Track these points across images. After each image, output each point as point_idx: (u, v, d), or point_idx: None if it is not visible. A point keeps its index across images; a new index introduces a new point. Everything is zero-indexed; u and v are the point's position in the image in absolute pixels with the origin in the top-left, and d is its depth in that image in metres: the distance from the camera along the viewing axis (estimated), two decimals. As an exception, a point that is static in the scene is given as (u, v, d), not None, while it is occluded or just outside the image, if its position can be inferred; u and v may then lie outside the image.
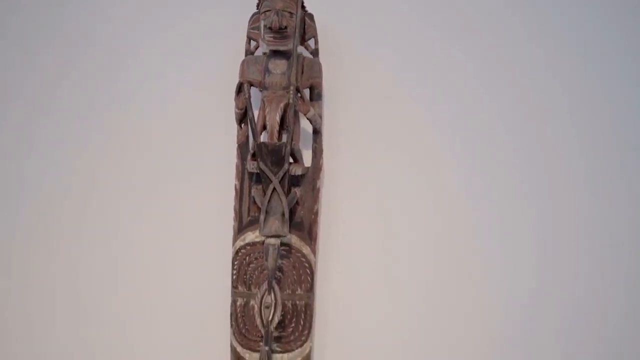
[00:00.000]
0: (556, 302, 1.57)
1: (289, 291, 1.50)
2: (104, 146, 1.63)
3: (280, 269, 1.49)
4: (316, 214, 1.52)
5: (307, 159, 1.53)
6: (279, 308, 1.45)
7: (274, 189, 1.44)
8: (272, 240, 1.44)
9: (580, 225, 1.60)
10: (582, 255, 1.59)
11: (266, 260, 1.43)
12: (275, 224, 1.44)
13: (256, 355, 1.48)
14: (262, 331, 1.45)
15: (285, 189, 1.46)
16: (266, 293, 1.45)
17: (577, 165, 1.62)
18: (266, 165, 1.44)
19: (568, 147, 1.63)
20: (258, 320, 1.45)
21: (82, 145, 1.64)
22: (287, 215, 1.45)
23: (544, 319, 1.57)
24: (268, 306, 1.45)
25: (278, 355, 1.49)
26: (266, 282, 1.45)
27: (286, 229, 1.44)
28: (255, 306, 1.46)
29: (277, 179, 1.44)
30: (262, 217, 1.44)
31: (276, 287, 1.45)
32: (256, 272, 1.50)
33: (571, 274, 1.58)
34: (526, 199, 1.61)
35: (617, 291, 1.58)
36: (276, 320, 1.45)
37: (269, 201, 1.45)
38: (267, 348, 1.44)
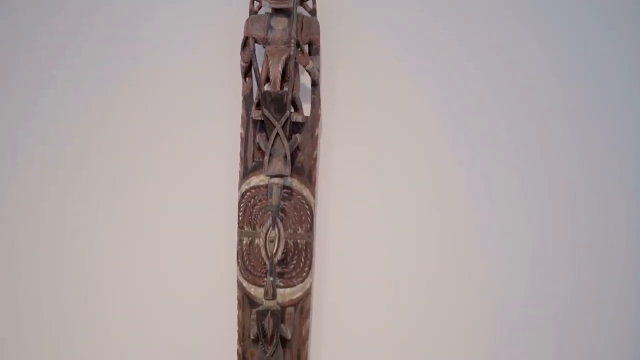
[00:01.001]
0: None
1: (290, 230, 1.63)
2: (109, 94, 1.74)
3: (282, 210, 1.62)
4: (315, 159, 1.65)
5: (306, 111, 1.66)
6: (282, 242, 1.59)
7: (277, 133, 1.58)
8: (276, 180, 1.57)
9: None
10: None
11: (270, 197, 1.57)
12: (278, 165, 1.58)
13: (261, 289, 1.61)
14: (267, 263, 1.59)
15: (287, 134, 1.59)
16: (270, 228, 1.58)
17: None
18: (270, 112, 1.58)
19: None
20: (263, 253, 1.59)
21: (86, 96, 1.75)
22: (289, 157, 1.58)
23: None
24: (272, 240, 1.58)
25: (281, 290, 1.62)
26: (270, 218, 1.58)
27: (288, 169, 1.57)
28: (260, 241, 1.60)
29: (280, 125, 1.58)
30: (266, 158, 1.58)
31: (279, 223, 1.59)
32: (260, 213, 1.63)
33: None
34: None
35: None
36: (279, 253, 1.59)
37: (272, 145, 1.59)
38: (271, 279, 1.57)
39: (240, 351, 1.64)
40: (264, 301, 1.56)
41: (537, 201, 1.68)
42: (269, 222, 1.58)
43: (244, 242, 1.64)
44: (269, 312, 1.56)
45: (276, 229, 1.57)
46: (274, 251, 1.57)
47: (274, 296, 1.56)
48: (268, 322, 1.56)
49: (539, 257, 1.68)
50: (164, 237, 1.71)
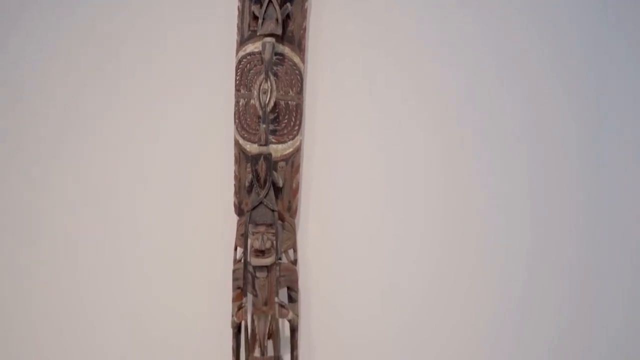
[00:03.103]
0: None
1: (282, 92, 1.82)
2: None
3: (275, 74, 1.81)
4: (304, 29, 1.84)
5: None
6: (274, 93, 1.77)
7: (269, 0, 1.78)
8: (268, 39, 1.76)
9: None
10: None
11: (263, 54, 1.76)
12: (270, 25, 1.77)
13: (255, 145, 1.78)
14: (260, 113, 1.76)
15: (279, 2, 1.78)
16: (263, 82, 1.76)
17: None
18: (263, -19, 1.78)
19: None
20: (257, 104, 1.77)
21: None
22: (280, 21, 1.77)
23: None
24: (265, 92, 1.76)
25: (273, 146, 1.79)
26: (264, 73, 1.77)
27: (279, 30, 1.76)
28: (255, 98, 1.78)
29: (272, -7, 1.78)
30: (260, 21, 1.77)
31: (271, 76, 1.77)
32: (255, 76, 1.82)
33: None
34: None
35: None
36: (271, 103, 1.77)
37: (265, 10, 1.78)
38: (264, 126, 1.75)
39: (236, 202, 1.80)
40: (258, 147, 1.73)
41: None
42: (262, 76, 1.76)
43: (241, 104, 1.82)
44: (262, 157, 1.73)
45: (268, 82, 1.75)
46: (267, 101, 1.75)
47: (266, 142, 1.74)
48: (261, 167, 1.73)
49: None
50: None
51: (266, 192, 1.74)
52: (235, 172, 1.81)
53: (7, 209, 1.89)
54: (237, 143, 1.81)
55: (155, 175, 1.88)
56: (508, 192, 1.83)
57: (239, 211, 1.80)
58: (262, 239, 1.72)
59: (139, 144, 1.89)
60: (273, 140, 1.79)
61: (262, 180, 1.73)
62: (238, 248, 1.78)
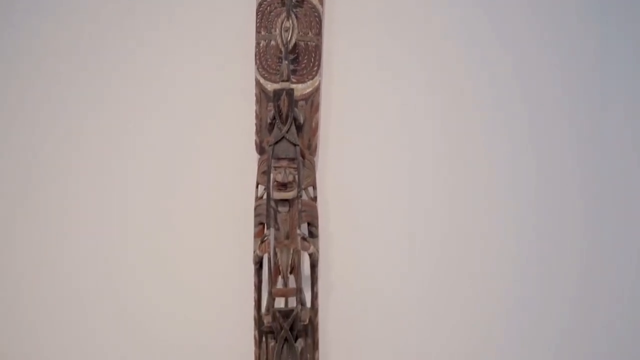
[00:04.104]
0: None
1: (301, 33, 1.87)
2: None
3: (295, 15, 1.86)
4: (322, -25, 1.90)
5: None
6: (296, 31, 1.82)
7: None
8: (289, -20, 1.83)
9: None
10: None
11: (284, -5, 1.82)
12: (289, -31, 1.83)
13: (275, 84, 1.83)
14: (282, 50, 1.82)
15: None
16: (285, 20, 1.82)
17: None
18: None
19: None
20: (279, 41, 1.82)
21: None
22: (299, -36, 1.84)
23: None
24: (287, 29, 1.82)
25: (293, 85, 1.84)
26: (285, 12, 1.82)
27: None
28: (277, 36, 1.83)
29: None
30: (279, -35, 1.84)
31: (293, 15, 1.82)
32: (276, 18, 1.87)
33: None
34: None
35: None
36: (293, 40, 1.82)
37: (285, -46, 1.84)
38: (286, 62, 1.80)
39: (257, 141, 1.85)
40: (280, 83, 1.78)
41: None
42: (284, 15, 1.82)
43: (261, 45, 1.88)
44: (284, 92, 1.77)
45: (290, 20, 1.81)
46: (289, 39, 1.81)
47: (288, 77, 1.78)
48: (283, 102, 1.77)
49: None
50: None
51: (288, 128, 1.78)
52: (256, 112, 1.85)
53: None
54: (258, 83, 1.86)
55: (176, 122, 1.92)
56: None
57: (260, 150, 1.84)
58: (285, 172, 1.76)
59: (160, 91, 1.94)
60: (293, 80, 1.84)
61: (284, 115, 1.77)
62: (259, 185, 1.82)
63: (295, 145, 1.77)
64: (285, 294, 1.74)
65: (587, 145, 1.86)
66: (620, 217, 1.82)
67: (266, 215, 1.76)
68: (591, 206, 1.83)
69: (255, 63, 1.87)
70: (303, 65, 1.86)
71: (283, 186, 1.76)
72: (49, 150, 1.91)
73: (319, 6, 1.88)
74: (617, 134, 1.87)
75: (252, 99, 1.86)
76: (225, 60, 1.92)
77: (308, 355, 1.75)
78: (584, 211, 1.83)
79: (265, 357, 1.75)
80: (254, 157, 1.85)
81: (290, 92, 1.77)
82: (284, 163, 1.77)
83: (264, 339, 1.76)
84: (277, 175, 1.76)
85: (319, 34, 1.88)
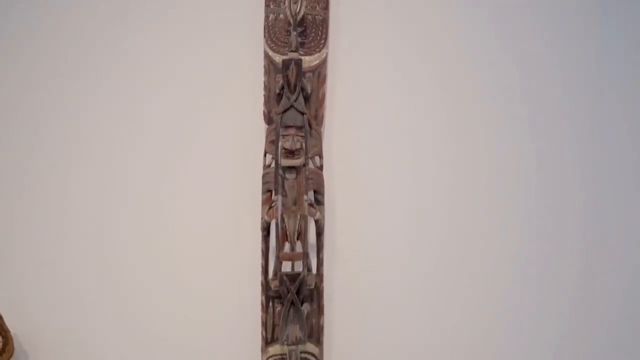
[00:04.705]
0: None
1: (309, 7, 1.93)
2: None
3: (302, -10, 1.92)
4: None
5: None
6: (304, 3, 1.89)
7: None
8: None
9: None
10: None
11: (293, -33, 1.88)
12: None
13: (284, 56, 1.88)
14: (291, 21, 1.88)
15: None
16: (294, -6, 1.89)
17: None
18: None
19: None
20: (288, 12, 1.88)
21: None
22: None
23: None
24: (296, 1, 1.88)
25: (301, 57, 1.89)
26: (294, -13, 1.88)
27: None
28: (284, 4, 1.89)
29: None
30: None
31: (301, -7, 1.89)
32: (286, -8, 1.94)
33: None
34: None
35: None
36: (302, 11, 1.88)
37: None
38: (295, 33, 1.86)
39: (265, 111, 1.90)
40: (289, 53, 1.84)
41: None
42: (293, -10, 1.89)
43: (270, 18, 1.94)
44: (293, 62, 1.82)
45: None
46: (298, 10, 1.87)
47: (296, 48, 1.84)
48: (292, 72, 1.82)
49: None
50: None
51: (296, 97, 1.82)
52: (264, 83, 1.91)
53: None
54: (266, 55, 1.92)
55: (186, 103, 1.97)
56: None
57: (269, 120, 1.89)
58: (292, 140, 1.80)
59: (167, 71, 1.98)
60: (301, 52, 1.89)
61: (292, 85, 1.82)
62: (267, 154, 1.86)
63: (302, 113, 1.82)
64: (292, 258, 1.77)
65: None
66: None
67: (274, 182, 1.80)
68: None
69: (264, 36, 1.92)
70: (310, 38, 1.92)
71: (291, 153, 1.80)
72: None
73: (325, -19, 1.94)
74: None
75: (261, 70, 1.90)
76: (234, 36, 1.96)
77: (313, 320, 1.78)
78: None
79: (272, 321, 1.78)
80: (262, 127, 1.88)
81: (298, 62, 1.82)
82: (292, 131, 1.81)
83: (270, 303, 1.79)
84: (285, 143, 1.80)
85: (326, 8, 1.94)
